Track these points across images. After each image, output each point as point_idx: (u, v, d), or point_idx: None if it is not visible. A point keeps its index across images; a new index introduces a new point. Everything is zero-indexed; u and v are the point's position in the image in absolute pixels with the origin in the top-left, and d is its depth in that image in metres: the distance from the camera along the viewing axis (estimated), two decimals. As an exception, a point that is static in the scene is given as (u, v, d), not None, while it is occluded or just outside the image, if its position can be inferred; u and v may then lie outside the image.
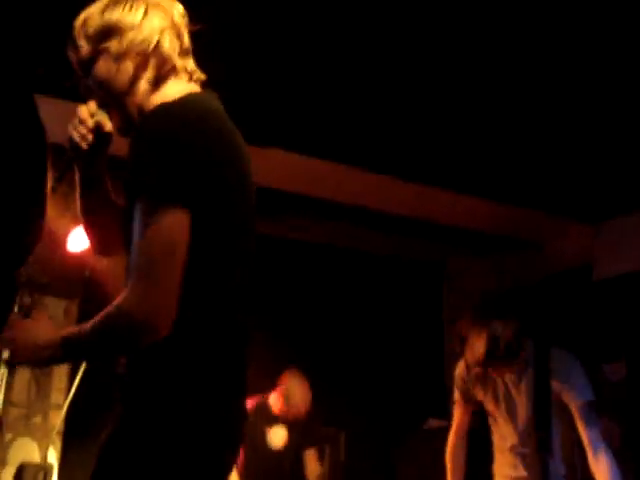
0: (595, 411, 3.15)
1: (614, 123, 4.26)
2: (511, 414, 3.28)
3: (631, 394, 5.16)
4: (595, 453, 3.08)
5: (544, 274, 5.94)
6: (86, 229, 2.01)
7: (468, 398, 3.43)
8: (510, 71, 3.84)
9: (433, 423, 4.89)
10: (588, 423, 3.12)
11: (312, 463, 4.68)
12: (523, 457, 3.24)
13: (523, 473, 3.23)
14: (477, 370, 3.24)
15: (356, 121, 4.31)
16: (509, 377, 3.31)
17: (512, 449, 3.28)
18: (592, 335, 5.54)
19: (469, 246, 6.41)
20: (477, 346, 3.11)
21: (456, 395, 3.48)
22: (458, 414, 3.48)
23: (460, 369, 3.44)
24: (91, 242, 2.02)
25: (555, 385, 3.19)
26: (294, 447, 4.68)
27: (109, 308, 1.62)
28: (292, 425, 4.67)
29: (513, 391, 3.30)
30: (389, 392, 6.09)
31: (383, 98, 4.09)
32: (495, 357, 3.10)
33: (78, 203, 1.98)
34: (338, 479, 5.58)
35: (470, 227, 5.83)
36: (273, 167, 4.79)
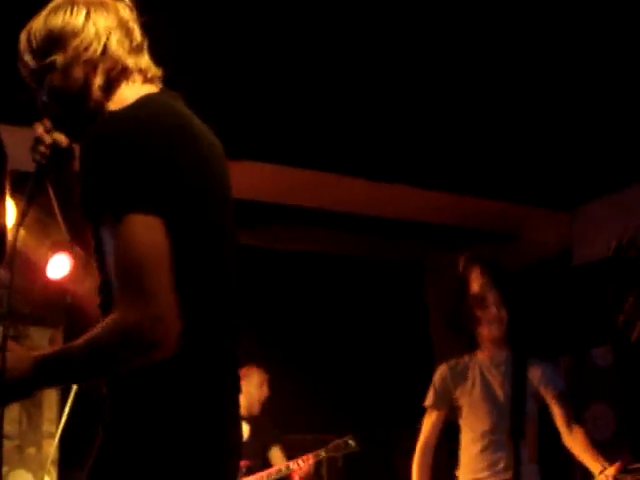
0: (569, 400, 3.35)
1: (582, 111, 4.30)
2: (486, 399, 3.36)
3: (622, 378, 5.20)
4: (570, 426, 3.25)
5: (523, 264, 5.98)
6: (78, 245, 1.92)
7: (444, 401, 3.48)
8: (478, 66, 3.87)
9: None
10: (565, 408, 3.30)
11: (277, 460, 4.67)
12: (495, 444, 3.30)
13: (490, 463, 3.28)
14: (478, 294, 3.35)
15: (323, 126, 4.33)
16: (484, 363, 3.43)
17: (483, 435, 3.33)
18: (577, 321, 5.58)
19: (446, 242, 6.44)
20: (474, 276, 3.37)
21: (429, 400, 3.52)
22: (428, 423, 3.53)
23: (441, 369, 3.53)
24: (87, 255, 1.89)
25: (532, 373, 3.35)
26: (259, 444, 4.68)
27: (107, 325, 1.49)
28: (256, 422, 4.70)
29: (489, 376, 3.40)
30: (381, 394, 6.10)
31: (349, 102, 4.10)
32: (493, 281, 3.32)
33: (61, 223, 1.91)
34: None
35: (446, 223, 5.86)
36: (244, 179, 4.79)
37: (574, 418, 3.29)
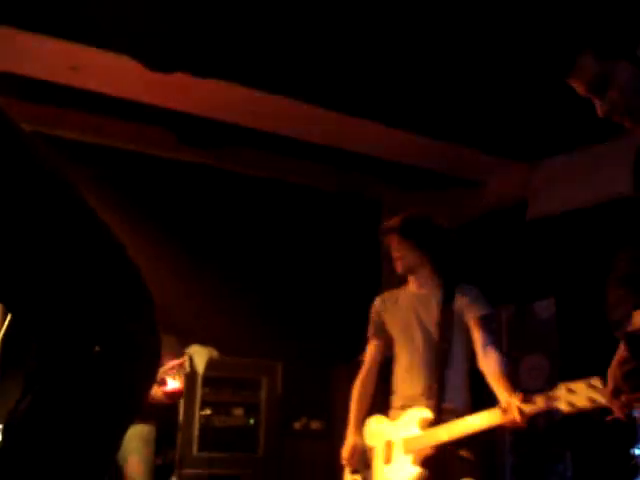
0: (490, 324, 3.41)
1: (547, 65, 4.28)
2: (415, 328, 3.47)
3: (561, 330, 5.33)
4: (485, 350, 3.30)
5: (480, 212, 6.03)
6: None
7: (380, 331, 3.60)
8: (452, 9, 3.82)
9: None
10: (484, 331, 3.35)
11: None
12: (425, 370, 3.41)
13: (419, 388, 3.40)
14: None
15: (298, 54, 4.25)
16: (414, 293, 3.54)
17: (413, 362, 3.45)
18: (522, 273, 5.68)
19: (407, 182, 6.46)
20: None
21: (370, 330, 3.65)
22: (370, 350, 3.65)
23: (376, 301, 3.66)
24: None
25: (459, 301, 3.42)
26: None
27: None
28: None
29: (418, 306, 3.51)
30: (326, 323, 6.17)
31: (323, 31, 4.03)
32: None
33: None
34: (275, 410, 5.67)
35: (408, 163, 5.87)
36: (212, 98, 4.72)
37: (492, 343, 3.34)
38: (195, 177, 5.95)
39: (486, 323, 3.38)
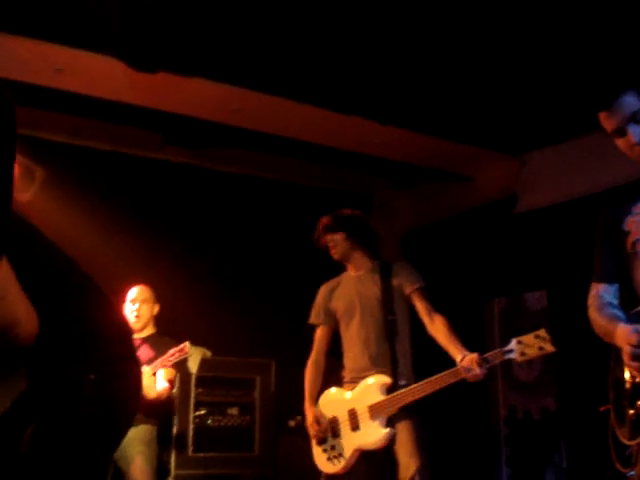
0: (428, 295, 3.78)
1: (537, 58, 4.29)
2: (359, 306, 3.83)
3: (552, 322, 5.33)
4: (431, 316, 3.69)
5: (471, 205, 6.03)
6: None
7: (326, 315, 4.00)
8: (437, 6, 3.81)
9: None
10: (426, 300, 3.75)
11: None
12: (373, 344, 3.75)
13: (370, 360, 3.74)
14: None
15: (281, 50, 4.23)
16: (355, 275, 3.96)
17: (360, 337, 3.80)
18: (514, 266, 5.69)
19: (396, 178, 6.46)
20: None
21: (312, 318, 4.07)
22: (318, 334, 4.06)
23: (321, 289, 4.10)
24: None
25: (396, 276, 3.82)
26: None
27: None
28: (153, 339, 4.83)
29: (360, 286, 3.89)
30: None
31: (307, 28, 4.01)
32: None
33: None
34: (270, 409, 5.66)
35: (396, 159, 5.86)
36: (194, 97, 4.70)
37: (435, 310, 3.70)
38: (182, 177, 5.93)
39: (426, 293, 3.78)
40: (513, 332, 5.84)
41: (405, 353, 3.75)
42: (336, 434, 3.74)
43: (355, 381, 3.75)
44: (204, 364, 5.47)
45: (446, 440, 5.33)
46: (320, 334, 4.06)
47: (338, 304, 3.96)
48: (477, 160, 5.84)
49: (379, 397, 3.61)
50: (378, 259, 3.97)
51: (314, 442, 3.83)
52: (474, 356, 3.38)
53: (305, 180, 6.44)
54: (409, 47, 4.21)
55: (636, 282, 2.21)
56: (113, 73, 4.28)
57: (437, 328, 3.63)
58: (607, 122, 2.30)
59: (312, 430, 3.82)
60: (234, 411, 5.56)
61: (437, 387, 3.43)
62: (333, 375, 4.02)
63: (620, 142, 2.29)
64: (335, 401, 3.82)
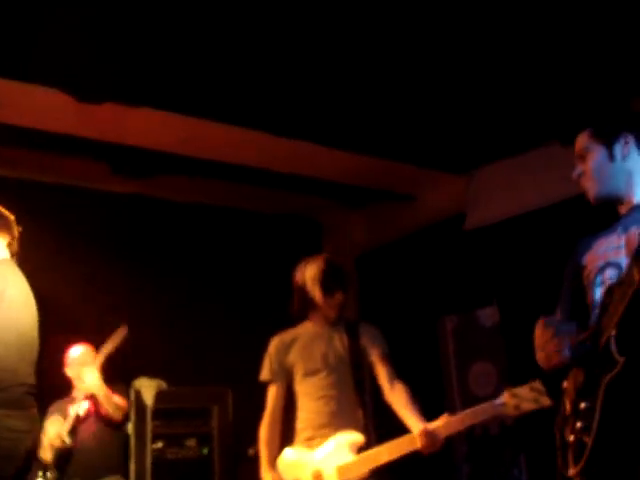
0: (389, 359, 3.61)
1: (477, 75, 4.36)
2: (320, 361, 3.60)
3: (506, 337, 5.39)
4: (391, 383, 3.49)
5: (418, 225, 6.09)
6: None
7: (281, 371, 3.68)
8: (379, 27, 3.86)
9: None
10: (386, 366, 3.55)
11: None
12: (333, 400, 3.53)
13: (331, 417, 3.50)
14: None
15: (227, 77, 4.25)
16: (316, 329, 3.71)
17: (320, 394, 3.56)
18: (464, 283, 5.75)
19: (344, 200, 6.49)
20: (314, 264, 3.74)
21: (266, 374, 3.73)
22: (272, 392, 3.71)
23: (274, 341, 3.77)
24: None
25: (363, 338, 3.62)
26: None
27: None
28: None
29: (320, 340, 3.65)
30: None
31: (253, 54, 4.03)
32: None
33: None
34: (228, 438, 5.60)
35: (344, 181, 5.90)
36: (143, 126, 4.68)
37: (397, 377, 3.53)
38: (129, 207, 5.88)
39: (389, 360, 3.59)
40: (467, 348, 5.95)
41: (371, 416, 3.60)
42: None
43: (312, 439, 3.50)
44: (159, 396, 5.41)
45: (405, 460, 5.32)
46: (275, 393, 3.71)
47: (296, 360, 3.66)
48: (423, 179, 5.91)
49: (348, 457, 3.36)
50: (342, 316, 3.72)
51: None
52: (427, 428, 3.19)
53: (254, 206, 6.44)
54: (352, 71, 4.26)
55: (590, 305, 2.23)
56: (57, 105, 4.24)
57: (398, 395, 3.44)
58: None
59: None
60: (192, 442, 5.49)
61: (397, 455, 3.28)
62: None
63: None
64: (296, 463, 3.50)
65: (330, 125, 4.92)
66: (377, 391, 3.59)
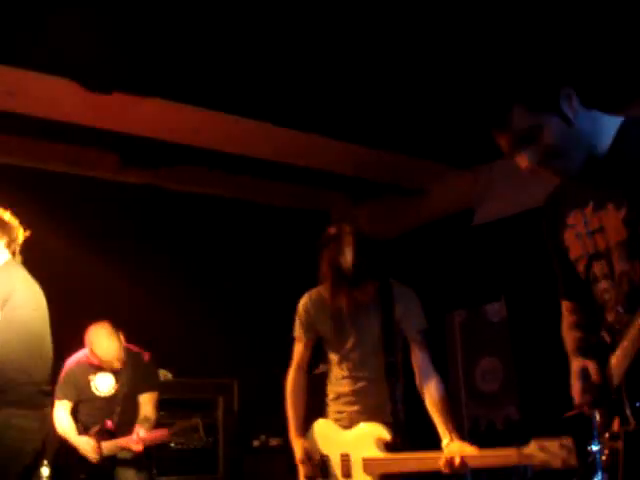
0: (427, 339, 3.40)
1: (488, 71, 4.34)
2: (355, 339, 3.40)
3: (512, 333, 5.38)
4: (426, 374, 3.31)
5: (428, 219, 6.08)
6: None
7: (309, 330, 3.51)
8: (385, 18, 3.85)
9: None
10: (421, 348, 3.36)
11: (146, 407, 4.69)
12: (363, 382, 3.39)
13: (359, 403, 3.38)
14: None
15: (237, 70, 4.24)
16: (354, 306, 3.39)
17: (351, 377, 3.41)
18: (472, 278, 5.74)
19: (354, 194, 6.49)
20: (347, 250, 3.31)
21: (297, 331, 3.55)
22: (298, 350, 3.57)
23: (304, 299, 3.56)
24: None
25: (397, 309, 3.39)
26: (128, 392, 4.65)
27: None
28: (119, 372, 4.71)
29: (361, 316, 3.41)
30: (279, 338, 6.13)
31: (263, 47, 4.02)
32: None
33: None
34: (233, 429, 5.62)
35: (353, 174, 5.89)
36: (152, 117, 4.69)
37: (431, 366, 3.34)
38: (139, 197, 5.89)
39: (425, 340, 3.38)
40: (475, 343, 5.94)
41: (401, 397, 3.38)
42: (325, 475, 3.38)
43: (341, 412, 3.41)
44: (165, 386, 5.42)
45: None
46: (301, 349, 3.56)
47: (327, 330, 3.48)
48: (432, 174, 5.90)
49: (375, 452, 3.27)
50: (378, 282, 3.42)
51: (302, 475, 3.38)
52: (457, 452, 3.04)
53: (263, 198, 6.45)
54: (361, 64, 4.25)
55: (595, 306, 2.11)
56: (67, 95, 4.24)
57: (430, 393, 3.27)
58: (500, 143, 2.08)
59: (304, 469, 3.36)
60: (202, 432, 5.51)
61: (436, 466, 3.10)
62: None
63: (519, 161, 2.06)
64: (329, 438, 3.41)
65: (340, 118, 4.91)
66: (410, 374, 3.38)
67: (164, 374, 5.54)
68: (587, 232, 2.04)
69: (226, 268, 6.22)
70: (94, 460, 4.42)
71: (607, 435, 2.00)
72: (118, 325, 4.72)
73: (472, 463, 3.08)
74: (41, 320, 3.44)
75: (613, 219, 1.93)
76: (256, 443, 5.85)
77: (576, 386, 2.07)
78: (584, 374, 2.04)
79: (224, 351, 5.86)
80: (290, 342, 3.72)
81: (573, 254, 2.10)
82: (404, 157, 5.52)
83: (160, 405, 5.34)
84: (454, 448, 3.08)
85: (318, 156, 5.47)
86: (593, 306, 2.10)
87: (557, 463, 2.77)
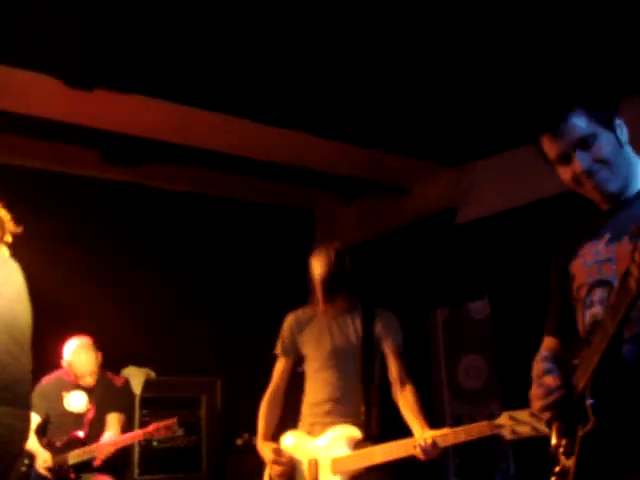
0: (402, 355, 3.53)
1: (474, 68, 4.35)
2: (331, 346, 3.54)
3: (496, 331, 5.39)
4: (402, 383, 3.45)
5: (411, 217, 6.08)
6: None
7: (291, 349, 3.65)
8: (376, 20, 3.84)
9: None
10: (398, 362, 3.50)
11: (112, 426, 4.65)
12: (339, 390, 3.49)
13: (335, 409, 3.47)
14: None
15: (221, 67, 4.22)
16: (330, 313, 3.61)
17: (327, 382, 3.51)
18: (455, 276, 5.75)
19: (336, 191, 6.48)
20: (323, 264, 3.57)
21: (279, 348, 3.69)
22: (278, 369, 3.68)
23: (288, 318, 3.71)
24: None
25: (377, 325, 3.55)
26: (97, 411, 4.67)
27: None
28: (92, 391, 4.71)
29: (334, 325, 3.59)
30: (262, 336, 6.12)
31: (248, 44, 4.00)
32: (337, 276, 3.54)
33: None
34: (216, 428, 5.60)
35: (337, 172, 5.88)
36: (133, 114, 4.65)
37: (408, 376, 3.48)
38: (120, 195, 5.86)
39: (402, 355, 3.52)
40: (457, 341, 5.95)
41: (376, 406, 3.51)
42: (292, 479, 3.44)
43: (314, 425, 3.49)
44: (148, 385, 5.40)
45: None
46: (281, 368, 3.68)
47: (308, 343, 3.63)
48: (416, 172, 5.90)
49: (345, 450, 3.35)
50: (359, 302, 3.63)
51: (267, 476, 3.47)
52: (429, 436, 3.12)
53: (246, 196, 6.43)
54: (346, 61, 4.23)
55: (580, 328, 2.10)
56: (48, 91, 4.21)
57: (405, 397, 3.41)
58: (550, 147, 2.08)
59: (274, 470, 3.43)
60: (180, 432, 5.50)
61: (398, 456, 3.21)
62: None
63: (563, 170, 2.08)
64: (298, 444, 3.49)
65: (323, 115, 4.89)
66: (385, 383, 3.53)
67: (147, 373, 5.52)
68: (595, 261, 2.05)
69: (210, 266, 6.19)
70: (43, 471, 4.44)
71: (561, 451, 1.99)
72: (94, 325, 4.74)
73: (444, 442, 3.14)
74: (27, 315, 3.41)
75: (624, 250, 1.93)
76: (239, 442, 5.83)
77: (535, 391, 2.08)
78: (546, 383, 2.05)
79: (207, 349, 5.84)
80: (274, 340, 3.76)
81: (578, 281, 2.11)
82: (388, 155, 5.52)
83: (143, 403, 5.33)
84: (426, 433, 3.17)
85: (301, 154, 5.46)
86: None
87: (527, 431, 2.88)
